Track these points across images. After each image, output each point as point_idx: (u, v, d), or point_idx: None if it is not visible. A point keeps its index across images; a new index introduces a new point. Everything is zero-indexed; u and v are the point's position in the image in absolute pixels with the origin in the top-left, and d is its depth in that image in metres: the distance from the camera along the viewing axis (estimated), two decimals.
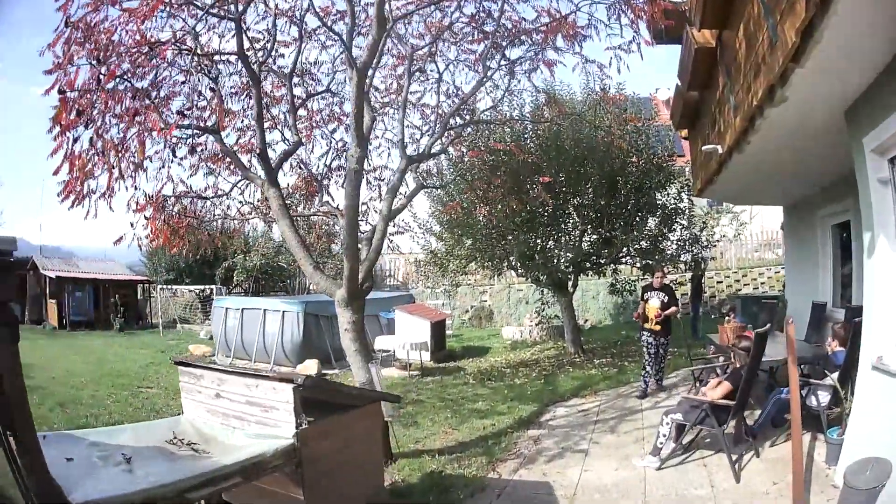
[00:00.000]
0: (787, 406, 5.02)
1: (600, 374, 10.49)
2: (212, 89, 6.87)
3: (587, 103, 11.90)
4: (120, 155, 5.60)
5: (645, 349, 8.48)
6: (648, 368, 8.46)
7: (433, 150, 7.92)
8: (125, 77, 5.48)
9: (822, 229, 8.71)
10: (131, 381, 11.66)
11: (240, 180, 7.61)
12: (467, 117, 8.71)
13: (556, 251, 12.65)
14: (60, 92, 4.92)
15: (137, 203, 6.46)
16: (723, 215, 18.61)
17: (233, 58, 6.70)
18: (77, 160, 5.25)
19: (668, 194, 12.54)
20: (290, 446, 3.55)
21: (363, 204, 8.55)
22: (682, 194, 12.58)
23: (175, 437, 3.66)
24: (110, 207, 5.84)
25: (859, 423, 4.55)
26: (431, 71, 8.24)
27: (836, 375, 5.28)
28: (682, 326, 9.96)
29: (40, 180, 57.26)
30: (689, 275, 15.95)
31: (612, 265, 13.24)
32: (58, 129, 5.06)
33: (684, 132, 10.79)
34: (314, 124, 8.45)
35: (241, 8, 6.02)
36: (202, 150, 7.28)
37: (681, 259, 13.09)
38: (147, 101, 5.65)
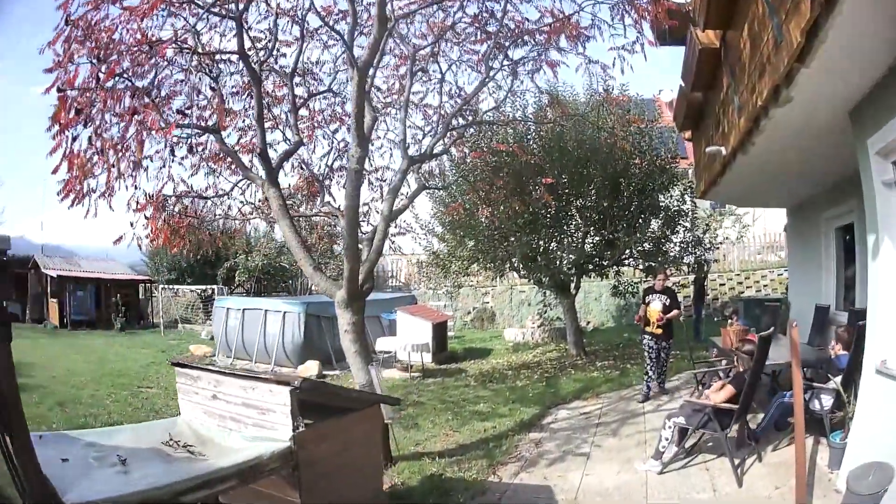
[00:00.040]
0: (790, 410, 4.98)
1: (602, 376, 10.44)
2: (212, 88, 6.86)
3: (590, 104, 11.86)
4: (119, 154, 5.59)
5: (646, 353, 8.38)
6: (650, 372, 8.37)
7: (435, 151, 7.91)
8: (125, 75, 5.46)
9: (825, 231, 8.65)
10: (131, 380, 11.66)
11: (240, 180, 7.61)
12: (470, 118, 8.68)
13: (558, 253, 12.61)
14: (59, 90, 4.90)
15: (138, 202, 6.45)
16: (725, 217, 18.51)
17: (234, 57, 6.69)
18: (76, 159, 5.23)
19: (671, 196, 12.49)
20: (286, 449, 3.52)
21: (364, 205, 8.54)
22: (686, 196, 12.53)
23: (171, 439, 3.63)
24: (110, 207, 5.84)
25: (862, 427, 4.50)
26: (434, 71, 8.23)
27: (839, 379, 5.23)
28: (684, 329, 9.90)
29: (42, 179, 57.43)
30: (691, 277, 15.88)
31: (614, 267, 13.20)
32: (57, 127, 5.04)
33: (688, 134, 10.76)
34: (316, 124, 8.45)
35: (241, 7, 6.00)
36: (203, 150, 7.27)
37: (684, 261, 13.05)
38: (147, 100, 5.63)
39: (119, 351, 16.36)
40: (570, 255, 12.49)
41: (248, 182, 7.48)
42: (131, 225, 6.58)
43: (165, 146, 6.52)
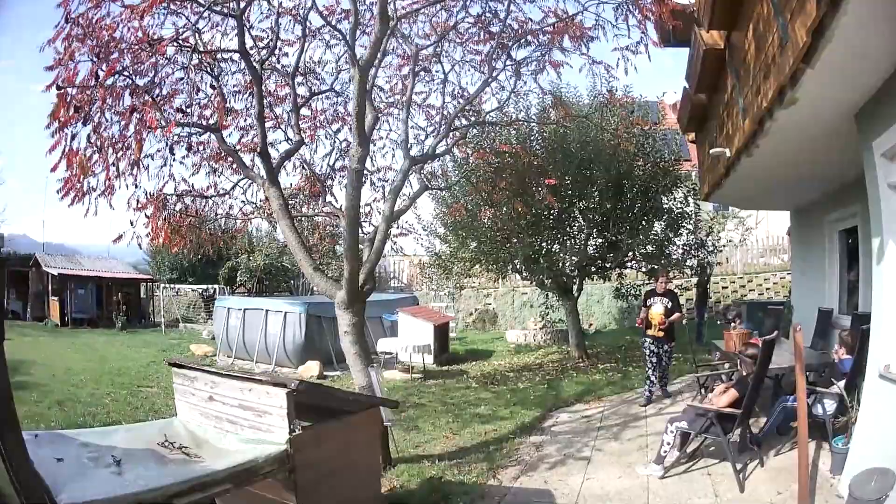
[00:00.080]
0: (793, 414, 4.94)
1: (604, 379, 10.40)
2: (213, 87, 6.83)
3: (594, 105, 11.81)
4: (119, 153, 5.56)
5: (647, 357, 8.33)
6: (652, 376, 8.32)
7: (437, 151, 7.88)
8: (124, 73, 5.44)
9: (829, 235, 8.59)
10: (131, 380, 11.64)
11: (241, 179, 7.58)
12: (472, 118, 8.64)
13: (561, 254, 12.56)
14: (59, 87, 4.88)
15: (138, 201, 6.43)
16: (728, 220, 18.47)
17: (235, 56, 6.66)
18: (75, 157, 5.21)
19: (674, 198, 12.44)
20: (282, 452, 3.48)
21: (366, 205, 8.50)
22: (689, 198, 12.48)
23: (167, 440, 3.60)
24: (110, 205, 5.81)
25: (865, 432, 4.46)
26: (437, 71, 8.19)
27: (842, 384, 5.19)
28: (687, 332, 9.84)
29: (43, 178, 57.57)
30: (694, 280, 15.84)
31: (617, 269, 13.15)
32: (56, 124, 5.02)
33: (691, 136, 10.71)
34: (318, 124, 8.41)
35: (242, 5, 5.98)
36: (204, 149, 7.25)
37: (686, 264, 13.00)
38: (146, 98, 5.60)
39: (119, 350, 16.35)
40: (573, 257, 12.45)
41: (249, 181, 7.45)
42: (131, 224, 6.55)
43: (166, 145, 6.50)
